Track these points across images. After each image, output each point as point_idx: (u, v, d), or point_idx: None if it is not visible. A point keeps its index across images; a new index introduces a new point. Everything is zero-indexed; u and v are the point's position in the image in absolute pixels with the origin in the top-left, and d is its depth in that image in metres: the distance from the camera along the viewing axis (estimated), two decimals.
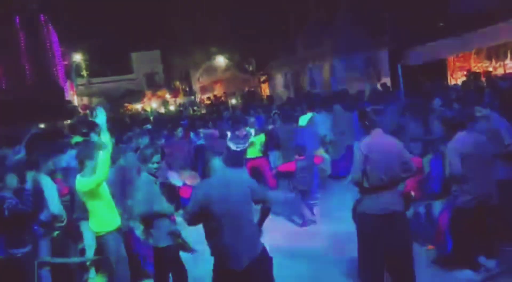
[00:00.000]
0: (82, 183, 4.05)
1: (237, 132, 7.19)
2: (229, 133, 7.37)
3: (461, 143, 4.03)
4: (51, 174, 4.93)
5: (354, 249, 4.07)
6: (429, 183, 6.69)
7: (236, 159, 6.52)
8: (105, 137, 4.26)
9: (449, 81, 12.82)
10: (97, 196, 4.08)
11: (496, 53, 11.45)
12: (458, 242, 4.20)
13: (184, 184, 7.40)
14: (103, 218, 4.13)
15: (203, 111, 20.41)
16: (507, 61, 11.08)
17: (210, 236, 3.33)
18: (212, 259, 3.39)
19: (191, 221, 3.41)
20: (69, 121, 16.66)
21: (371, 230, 3.74)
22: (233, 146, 7.07)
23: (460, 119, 4.19)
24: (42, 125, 13.39)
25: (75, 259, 5.04)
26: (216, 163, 3.42)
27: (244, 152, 6.92)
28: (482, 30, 8.25)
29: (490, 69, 11.81)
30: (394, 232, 3.70)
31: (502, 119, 4.58)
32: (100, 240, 4.19)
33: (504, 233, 4.48)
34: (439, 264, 4.46)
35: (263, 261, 3.32)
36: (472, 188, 4.01)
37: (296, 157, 6.29)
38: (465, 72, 12.20)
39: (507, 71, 10.41)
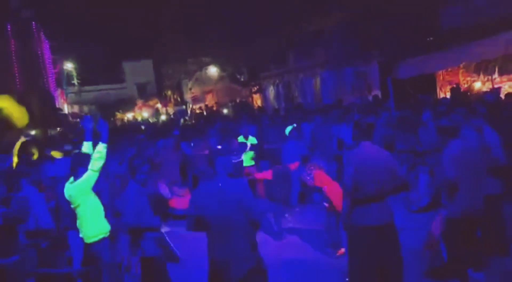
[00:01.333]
0: (74, 186, 4.02)
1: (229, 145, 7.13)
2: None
3: (457, 150, 4.06)
4: (39, 183, 4.88)
5: (342, 261, 4.07)
6: (419, 195, 6.79)
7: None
8: (88, 145, 4.26)
9: (438, 95, 13.00)
10: (88, 201, 4.05)
11: (484, 68, 11.66)
12: (451, 253, 4.21)
13: (174, 195, 7.40)
14: (94, 225, 4.09)
15: (194, 121, 20.40)
16: (495, 75, 11.28)
17: (209, 244, 3.34)
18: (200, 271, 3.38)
19: (193, 226, 3.40)
20: (58, 129, 16.54)
21: (363, 242, 3.74)
22: None
23: (457, 127, 4.24)
24: (33, 132, 13.25)
25: (62, 270, 4.96)
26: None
27: (240, 163, 6.83)
28: (470, 45, 8.42)
29: (479, 83, 12.03)
30: (385, 244, 3.72)
31: (493, 133, 4.64)
32: (91, 247, 4.14)
33: (488, 246, 4.51)
34: (430, 276, 4.46)
35: (259, 273, 3.31)
36: (464, 197, 4.03)
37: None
38: (454, 86, 12.40)
39: (495, 85, 10.58)
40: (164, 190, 7.22)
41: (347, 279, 4.07)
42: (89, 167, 3.97)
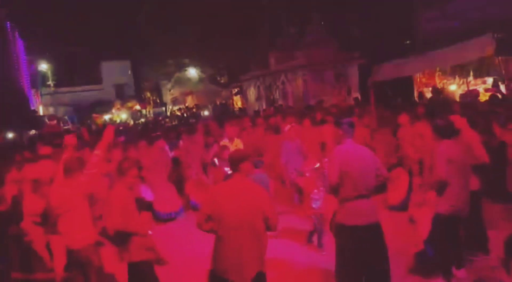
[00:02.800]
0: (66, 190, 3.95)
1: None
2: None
3: (448, 148, 4.18)
4: (19, 186, 4.77)
5: (328, 260, 4.11)
6: (399, 194, 6.93)
7: None
8: None
9: (415, 97, 13.33)
10: (77, 206, 3.98)
11: (460, 71, 12.03)
12: (439, 250, 4.32)
13: (156, 197, 7.32)
14: (81, 230, 4.02)
15: (175, 122, 20.25)
16: (470, 78, 11.64)
17: (217, 244, 3.30)
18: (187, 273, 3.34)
19: (202, 225, 3.34)
20: (34, 131, 16.14)
21: (350, 242, 3.79)
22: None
23: (451, 127, 4.37)
24: (10, 135, 12.90)
25: (45, 275, 4.85)
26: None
27: None
28: (445, 49, 8.68)
29: (454, 86, 12.39)
30: (371, 242, 3.78)
31: (473, 132, 4.79)
32: (77, 253, 4.05)
33: (470, 243, 4.65)
34: (415, 274, 4.57)
35: (263, 276, 3.33)
36: (452, 195, 4.15)
37: None
38: (430, 89, 12.74)
39: (470, 88, 10.92)
40: (147, 193, 7.15)
41: None
42: (85, 170, 3.91)
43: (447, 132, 4.28)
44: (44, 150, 6.71)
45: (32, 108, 21.15)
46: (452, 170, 4.10)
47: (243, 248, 3.20)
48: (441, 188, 4.18)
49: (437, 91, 11.42)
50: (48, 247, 4.99)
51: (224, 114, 19.86)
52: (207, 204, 3.33)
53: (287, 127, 7.53)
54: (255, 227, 3.24)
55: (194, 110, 27.26)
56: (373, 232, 3.80)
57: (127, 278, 4.15)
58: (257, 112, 14.67)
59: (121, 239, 3.95)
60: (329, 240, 4.19)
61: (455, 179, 4.12)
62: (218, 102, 28.45)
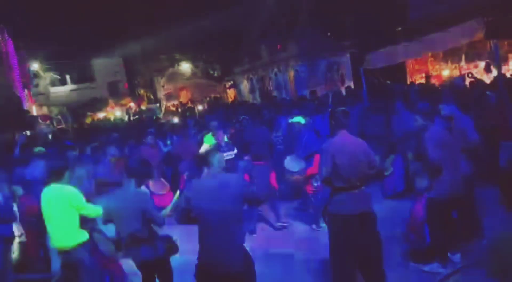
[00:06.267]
0: (64, 193, 3.93)
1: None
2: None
3: (437, 133, 4.19)
4: (10, 188, 4.75)
5: (324, 249, 4.13)
6: (394, 182, 6.96)
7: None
8: None
9: (408, 83, 13.32)
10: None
11: (452, 56, 12.04)
12: (435, 234, 4.34)
13: (152, 194, 7.28)
14: (74, 230, 4.01)
15: (169, 118, 20.14)
16: (462, 63, 11.66)
17: (199, 238, 3.34)
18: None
19: (181, 218, 3.41)
20: (28, 132, 16.03)
21: (343, 231, 3.80)
22: None
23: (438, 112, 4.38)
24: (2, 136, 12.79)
25: (39, 275, 4.85)
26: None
27: (232, 160, 6.65)
28: (436, 34, 8.65)
29: (447, 71, 12.40)
30: (365, 231, 3.79)
31: (466, 117, 4.80)
32: (69, 254, 4.05)
33: (464, 227, 4.67)
34: (411, 259, 4.59)
35: (248, 265, 3.34)
36: (446, 178, 4.16)
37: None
38: (423, 75, 12.74)
39: (462, 72, 10.95)
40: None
41: None
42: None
43: (434, 117, 4.30)
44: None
45: (25, 108, 20.95)
46: (443, 154, 4.11)
47: (225, 240, 3.23)
48: (434, 173, 4.19)
49: (428, 78, 11.47)
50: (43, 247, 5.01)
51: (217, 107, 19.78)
52: (185, 200, 3.37)
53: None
54: (235, 217, 3.28)
55: (188, 105, 27.14)
56: (366, 220, 3.81)
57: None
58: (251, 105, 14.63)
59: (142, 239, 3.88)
60: (324, 230, 4.20)
61: (447, 162, 4.13)
62: (212, 96, 28.38)
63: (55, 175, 4.02)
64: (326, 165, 3.80)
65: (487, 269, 2.18)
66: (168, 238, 3.94)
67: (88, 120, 29.64)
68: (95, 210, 4.11)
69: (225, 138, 6.89)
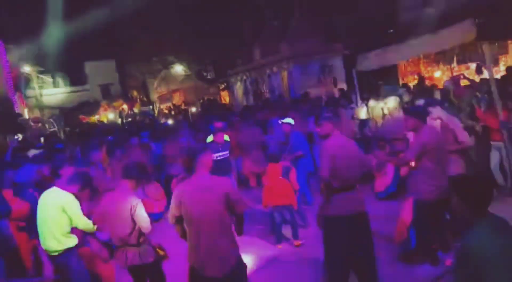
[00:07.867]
0: (60, 198, 3.89)
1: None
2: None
3: (426, 135, 4.21)
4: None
5: (317, 250, 4.13)
6: (386, 183, 6.98)
7: (217, 168, 6.18)
8: None
9: (400, 84, 13.37)
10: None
11: (443, 58, 12.12)
12: (422, 236, 4.36)
13: (145, 197, 7.24)
14: (64, 235, 3.97)
15: (163, 120, 20.08)
16: (454, 64, 11.74)
17: (188, 240, 3.33)
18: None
19: (173, 220, 3.40)
20: (20, 135, 15.90)
21: (337, 232, 3.81)
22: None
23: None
24: None
25: (31, 280, 4.79)
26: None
27: (226, 160, 6.61)
28: (427, 36, 8.72)
29: (439, 72, 12.48)
30: (358, 232, 3.80)
31: (454, 118, 4.83)
32: (60, 258, 4.00)
33: (455, 227, 4.69)
34: (401, 261, 4.60)
35: (239, 268, 3.33)
36: (435, 180, 4.18)
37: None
38: (415, 76, 12.82)
39: (454, 74, 11.01)
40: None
41: None
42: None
43: (424, 118, 4.32)
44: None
45: (17, 111, 20.77)
46: (433, 155, 4.13)
47: (214, 242, 3.22)
48: (424, 174, 4.21)
49: (422, 79, 11.53)
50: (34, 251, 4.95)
51: (211, 110, 19.77)
52: (173, 205, 3.35)
53: None
54: (223, 219, 3.27)
55: (182, 107, 27.08)
56: (359, 221, 3.83)
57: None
58: (245, 107, 14.62)
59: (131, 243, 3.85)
60: (318, 231, 4.19)
61: (436, 163, 4.16)
62: (206, 98, 28.35)
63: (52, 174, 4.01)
64: (327, 166, 3.81)
65: (456, 277, 2.10)
66: (159, 245, 3.93)
67: (87, 119, 29.45)
68: (85, 223, 4.08)
69: (226, 137, 6.85)
